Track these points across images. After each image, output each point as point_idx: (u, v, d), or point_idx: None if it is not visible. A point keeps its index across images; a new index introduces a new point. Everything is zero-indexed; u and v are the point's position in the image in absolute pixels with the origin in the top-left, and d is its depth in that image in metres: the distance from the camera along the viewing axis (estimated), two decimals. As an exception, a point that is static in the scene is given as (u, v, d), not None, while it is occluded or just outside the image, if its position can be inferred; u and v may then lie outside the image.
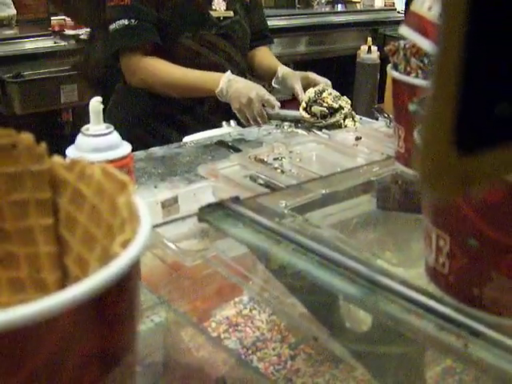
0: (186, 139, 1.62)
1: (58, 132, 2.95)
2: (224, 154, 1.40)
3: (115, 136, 0.81)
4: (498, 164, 0.21)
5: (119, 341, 0.27)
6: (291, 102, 1.92)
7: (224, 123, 1.79)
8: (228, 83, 1.69)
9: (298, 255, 0.57)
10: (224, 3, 1.88)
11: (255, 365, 0.68)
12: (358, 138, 1.36)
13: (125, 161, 0.79)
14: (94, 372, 0.25)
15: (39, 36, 3.07)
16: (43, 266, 0.35)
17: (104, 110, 0.85)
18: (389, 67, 0.79)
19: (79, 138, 0.81)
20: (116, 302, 0.26)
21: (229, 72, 1.73)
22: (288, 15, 3.72)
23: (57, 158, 0.35)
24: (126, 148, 0.81)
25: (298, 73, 1.86)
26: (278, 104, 1.69)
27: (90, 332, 0.24)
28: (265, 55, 2.07)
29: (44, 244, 0.35)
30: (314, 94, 1.63)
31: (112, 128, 0.82)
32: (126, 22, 1.73)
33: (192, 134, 1.70)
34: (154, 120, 1.89)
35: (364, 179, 0.86)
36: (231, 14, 1.90)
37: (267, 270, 0.66)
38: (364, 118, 1.64)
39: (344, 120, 1.58)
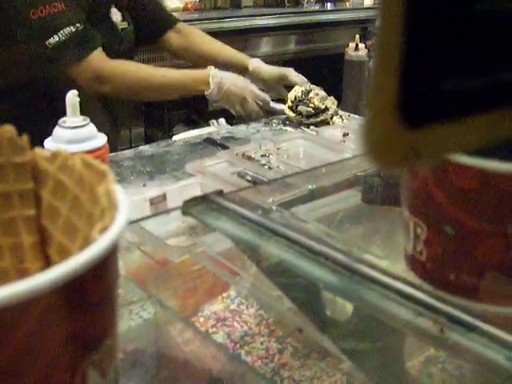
0: (175, 137, 1.63)
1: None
2: (212, 152, 1.41)
3: (91, 128, 0.84)
4: (443, 139, 0.22)
5: (97, 325, 0.27)
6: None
7: (213, 121, 1.80)
8: (217, 84, 1.60)
9: (283, 248, 0.57)
10: (119, 14, 1.73)
11: (243, 359, 0.69)
12: (345, 135, 1.37)
13: (100, 152, 0.82)
14: (72, 356, 0.26)
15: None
16: (26, 256, 0.35)
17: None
18: (372, 62, 0.79)
19: (56, 129, 0.84)
20: (93, 286, 0.26)
21: (213, 69, 1.63)
22: (277, 14, 3.72)
23: (38, 150, 0.35)
24: (101, 139, 0.84)
25: (275, 71, 1.81)
26: (269, 100, 1.66)
27: (67, 315, 0.25)
28: (205, 41, 1.95)
29: (27, 234, 0.35)
30: (300, 94, 1.63)
31: (88, 120, 0.84)
32: (72, 28, 1.52)
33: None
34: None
35: (349, 174, 0.87)
36: (125, 24, 1.76)
37: (253, 263, 0.67)
38: (352, 115, 1.65)
39: (331, 119, 1.59)
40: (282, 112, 1.67)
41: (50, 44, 1.52)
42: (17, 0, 1.55)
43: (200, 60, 1.89)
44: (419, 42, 0.20)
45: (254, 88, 1.65)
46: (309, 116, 1.58)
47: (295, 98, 1.62)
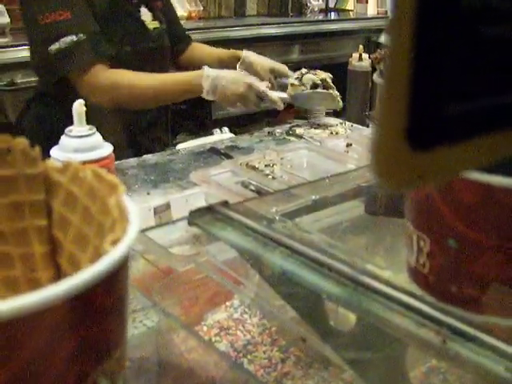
0: (179, 146, 1.64)
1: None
2: (216, 161, 1.41)
3: (97, 137, 0.85)
4: (448, 161, 0.23)
5: (108, 335, 0.28)
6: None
7: (216, 130, 1.80)
8: (211, 83, 1.58)
9: (287, 258, 0.58)
10: (150, 14, 1.76)
11: (246, 367, 0.69)
12: (348, 145, 1.38)
13: (106, 161, 0.83)
14: (83, 365, 0.26)
15: (33, 44, 3.07)
16: (37, 266, 0.36)
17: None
18: (375, 75, 0.80)
19: (63, 138, 0.84)
20: (105, 298, 0.27)
21: (206, 69, 1.60)
22: (281, 23, 3.72)
23: (50, 162, 0.36)
24: (107, 149, 0.85)
25: (266, 64, 1.81)
26: (267, 87, 1.63)
27: (78, 326, 0.26)
28: (204, 48, 1.99)
29: (38, 244, 0.36)
30: (306, 70, 1.64)
31: (94, 129, 0.84)
32: (74, 37, 1.53)
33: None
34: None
35: (353, 185, 0.88)
36: (157, 24, 1.78)
37: (257, 273, 0.67)
38: (355, 125, 1.66)
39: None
40: (284, 100, 1.66)
41: (51, 50, 1.54)
42: (33, 3, 1.58)
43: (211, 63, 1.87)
44: (427, 64, 0.21)
45: (251, 79, 1.62)
46: (315, 86, 1.58)
47: (301, 73, 1.63)
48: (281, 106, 1.63)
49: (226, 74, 1.60)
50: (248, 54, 1.84)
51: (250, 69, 1.79)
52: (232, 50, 1.91)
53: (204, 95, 1.59)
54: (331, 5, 4.41)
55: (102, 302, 0.27)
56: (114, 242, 0.28)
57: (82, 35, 1.54)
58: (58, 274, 0.36)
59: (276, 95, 1.62)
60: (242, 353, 0.72)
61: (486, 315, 0.48)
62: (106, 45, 1.59)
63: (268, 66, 1.80)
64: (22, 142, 0.34)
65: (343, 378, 0.64)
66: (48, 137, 1.70)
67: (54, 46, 1.53)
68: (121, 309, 0.29)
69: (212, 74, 1.58)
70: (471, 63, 0.22)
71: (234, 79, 1.60)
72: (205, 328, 0.75)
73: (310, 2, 4.11)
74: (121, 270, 0.28)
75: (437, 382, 0.57)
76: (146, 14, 1.75)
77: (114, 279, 0.27)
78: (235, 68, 1.79)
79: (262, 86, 1.61)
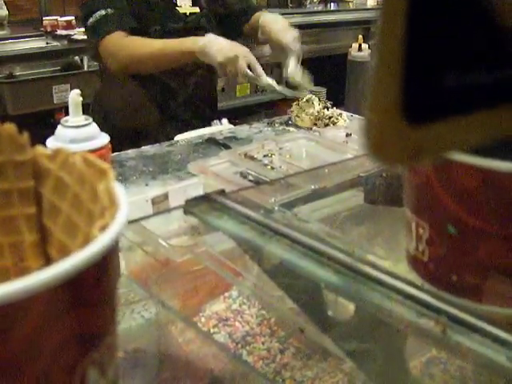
0: (178, 137, 1.63)
1: (51, 132, 2.94)
2: (215, 152, 1.41)
3: (93, 127, 0.84)
4: (446, 136, 0.22)
5: (98, 323, 0.27)
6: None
7: (215, 121, 1.80)
8: (210, 40, 1.66)
9: (285, 248, 0.57)
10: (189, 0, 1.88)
11: (245, 359, 0.68)
12: (348, 135, 1.37)
13: (102, 151, 0.82)
14: (73, 353, 0.26)
15: (31, 36, 3.08)
16: (27, 255, 0.35)
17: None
18: (372, 60, 0.79)
19: (59, 129, 0.84)
20: (94, 284, 0.26)
21: (207, 35, 1.70)
22: (280, 14, 3.71)
23: (39, 148, 0.35)
24: (103, 139, 0.84)
25: (278, 42, 1.84)
26: (265, 77, 1.67)
27: (67, 313, 0.25)
28: (257, 17, 2.01)
29: (28, 233, 0.35)
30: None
31: (90, 120, 0.84)
32: (103, 12, 1.73)
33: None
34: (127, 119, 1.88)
35: (352, 174, 0.87)
36: (197, 9, 1.90)
37: (255, 263, 0.66)
38: (354, 115, 1.65)
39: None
40: (268, 87, 1.67)
41: (88, 25, 1.77)
42: None
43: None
44: (421, 37, 0.20)
45: (251, 55, 1.66)
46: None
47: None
48: (263, 83, 1.67)
49: (219, 41, 1.66)
50: (264, 19, 1.90)
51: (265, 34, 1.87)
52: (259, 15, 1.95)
53: (199, 48, 1.65)
54: (331, -5, 4.40)
55: (91, 289, 0.26)
56: (103, 228, 0.27)
57: (110, 10, 1.73)
58: (48, 264, 0.35)
59: (261, 71, 1.66)
60: (240, 344, 0.71)
61: (486, 304, 0.48)
62: (130, 18, 1.75)
63: (278, 48, 1.83)
64: (9, 127, 0.34)
65: (342, 368, 0.63)
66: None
67: (90, 20, 1.75)
68: (111, 296, 0.28)
69: (212, 36, 1.67)
70: (468, 34, 0.21)
71: (232, 43, 1.67)
72: (203, 319, 0.75)
73: (310, -7, 4.10)
74: (110, 256, 0.27)
75: (437, 372, 0.57)
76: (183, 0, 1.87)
77: (103, 265, 0.27)
78: None
79: (253, 57, 1.65)
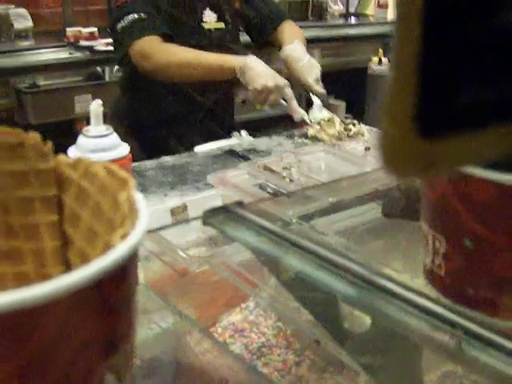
0: (197, 149, 1.64)
1: (72, 141, 2.96)
2: (234, 164, 1.41)
3: (114, 137, 0.84)
4: (460, 149, 0.22)
5: (116, 329, 0.28)
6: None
7: (235, 133, 1.80)
8: (252, 61, 1.65)
9: (302, 259, 0.57)
10: (215, 15, 1.88)
11: (260, 370, 0.68)
12: (367, 149, 1.37)
13: (123, 161, 0.82)
14: (92, 358, 0.26)
15: (55, 47, 3.10)
16: (48, 261, 0.36)
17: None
18: (388, 73, 0.79)
19: (80, 138, 0.84)
20: (113, 291, 0.27)
21: (249, 57, 1.70)
22: (301, 27, 3.71)
23: (62, 157, 0.36)
24: (124, 149, 0.84)
25: (299, 73, 1.82)
26: (300, 112, 1.67)
27: (86, 319, 0.25)
28: (285, 31, 2.03)
29: (49, 239, 0.36)
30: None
31: (111, 129, 0.84)
32: (135, 15, 1.72)
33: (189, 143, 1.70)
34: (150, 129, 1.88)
35: (370, 187, 0.87)
36: (222, 25, 1.90)
37: (272, 275, 0.67)
38: (374, 129, 1.65)
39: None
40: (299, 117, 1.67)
41: (118, 28, 1.75)
42: None
43: None
44: (437, 51, 0.20)
45: (288, 87, 1.66)
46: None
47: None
48: (297, 118, 1.68)
49: (261, 66, 1.66)
50: (284, 53, 1.87)
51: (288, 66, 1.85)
52: (283, 41, 1.94)
53: (239, 67, 1.65)
54: (351, 9, 4.40)
55: (111, 296, 0.27)
56: (123, 237, 0.28)
57: (142, 14, 1.73)
58: (68, 270, 0.36)
59: (297, 106, 1.65)
60: (256, 355, 0.71)
61: (503, 318, 0.47)
62: (164, 24, 1.75)
63: (298, 79, 1.82)
64: (34, 136, 0.34)
65: (358, 381, 0.63)
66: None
67: (120, 24, 1.74)
68: (129, 303, 0.29)
69: (246, 60, 1.66)
70: (484, 48, 0.21)
71: (274, 71, 1.67)
72: (219, 330, 0.75)
73: (331, 7, 4.10)
74: (129, 263, 0.27)
75: (452, 386, 0.56)
76: (209, 16, 1.87)
77: (123, 273, 0.27)
78: None
79: (290, 91, 1.65)
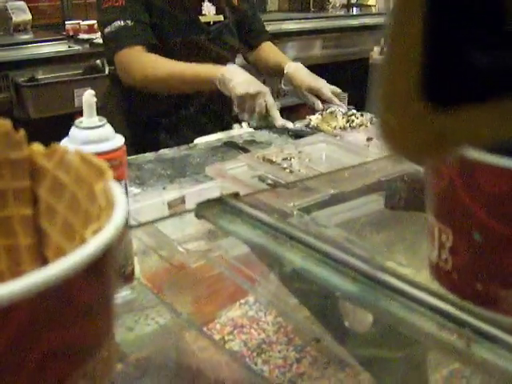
0: (197, 141, 1.62)
1: (72, 135, 2.94)
2: (233, 155, 1.39)
3: (108, 128, 0.82)
4: (474, 123, 0.19)
5: (89, 334, 0.25)
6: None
7: (235, 125, 1.78)
8: (231, 70, 1.63)
9: (300, 253, 0.55)
10: (213, 7, 1.86)
11: (260, 367, 0.67)
12: (369, 139, 1.34)
13: (117, 153, 0.80)
14: (60, 368, 0.24)
15: (54, 40, 3.09)
16: (23, 259, 0.33)
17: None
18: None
19: (72, 130, 0.82)
20: (84, 292, 0.24)
21: (228, 66, 1.68)
22: (302, 18, 3.71)
23: (36, 145, 0.33)
24: (118, 140, 0.82)
25: (306, 82, 1.81)
26: (279, 118, 1.64)
27: (52, 324, 0.23)
28: (270, 51, 2.02)
29: (23, 236, 0.33)
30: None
31: (105, 121, 0.82)
32: (121, 23, 1.69)
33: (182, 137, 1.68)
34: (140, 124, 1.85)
35: (372, 178, 0.85)
36: (221, 18, 1.88)
37: (270, 269, 0.64)
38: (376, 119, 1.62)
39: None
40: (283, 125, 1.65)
41: (105, 33, 1.73)
42: None
43: (274, 73, 1.98)
44: (446, 8, 0.17)
45: (269, 94, 1.64)
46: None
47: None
48: (280, 125, 1.64)
49: (241, 73, 1.64)
50: (290, 70, 1.86)
51: (290, 83, 1.85)
52: (279, 60, 1.94)
53: (220, 76, 1.62)
54: (353, 0, 4.39)
55: (81, 297, 0.24)
56: (96, 231, 0.25)
57: (129, 22, 1.69)
58: (45, 268, 0.33)
59: (279, 116, 1.64)
60: (255, 352, 0.70)
61: (513, 316, 0.45)
62: (150, 33, 1.72)
63: (307, 85, 1.80)
64: (3, 124, 0.32)
65: (360, 379, 0.61)
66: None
67: (107, 29, 1.71)
68: (104, 305, 0.26)
69: (225, 70, 1.63)
70: (495, 8, 0.18)
71: (255, 79, 1.65)
72: (218, 326, 0.74)
73: (332, -3, 4.09)
74: (103, 261, 0.25)
75: (459, 386, 0.54)
76: (208, 8, 1.85)
77: (95, 271, 0.24)
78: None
79: (271, 98, 1.63)
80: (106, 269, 0.25)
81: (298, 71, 1.85)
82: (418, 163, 0.46)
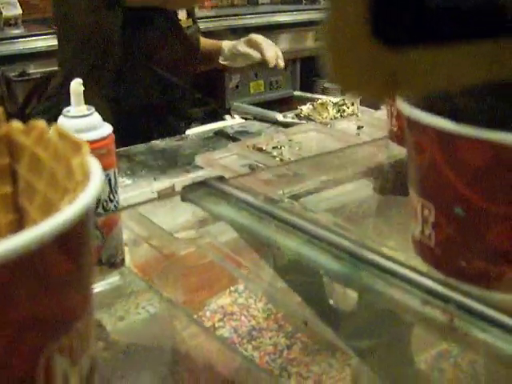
0: (189, 132, 1.62)
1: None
2: (224, 145, 1.39)
3: (96, 117, 0.81)
4: (428, 64, 0.18)
5: (64, 306, 0.25)
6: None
7: (228, 116, 1.78)
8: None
9: (286, 234, 0.55)
10: (185, 12, 1.85)
11: (250, 353, 0.67)
12: (360, 127, 1.34)
13: (105, 141, 0.80)
14: (34, 340, 0.23)
15: (44, 34, 3.07)
16: (2, 237, 0.33)
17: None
18: None
19: (60, 119, 0.81)
20: (59, 261, 0.24)
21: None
22: (294, 11, 3.70)
23: (14, 123, 0.33)
24: (106, 129, 0.81)
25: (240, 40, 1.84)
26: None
27: (24, 294, 0.22)
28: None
29: (3, 214, 0.33)
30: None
31: (93, 109, 0.82)
32: None
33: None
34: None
35: (361, 164, 0.85)
36: (191, 23, 1.88)
37: (253, 251, 0.64)
38: (366, 108, 1.62)
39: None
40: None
41: None
42: None
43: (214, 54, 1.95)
44: None
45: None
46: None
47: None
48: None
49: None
50: (226, 43, 1.88)
51: (231, 56, 1.86)
52: (215, 42, 1.95)
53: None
54: (345, -9, 4.38)
55: (56, 266, 0.24)
56: (71, 202, 0.25)
57: None
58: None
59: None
60: (246, 339, 0.70)
61: (497, 291, 0.45)
62: None
63: (242, 40, 1.83)
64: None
65: (350, 364, 0.61)
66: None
67: None
68: (80, 275, 0.26)
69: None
70: None
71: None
72: (208, 313, 0.74)
73: (324, -11, 4.08)
74: (77, 229, 0.25)
75: (447, 366, 0.54)
76: (182, 12, 1.83)
77: (69, 240, 0.24)
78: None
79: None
80: (81, 237, 0.25)
81: (233, 43, 1.87)
82: (375, 100, 0.46)
